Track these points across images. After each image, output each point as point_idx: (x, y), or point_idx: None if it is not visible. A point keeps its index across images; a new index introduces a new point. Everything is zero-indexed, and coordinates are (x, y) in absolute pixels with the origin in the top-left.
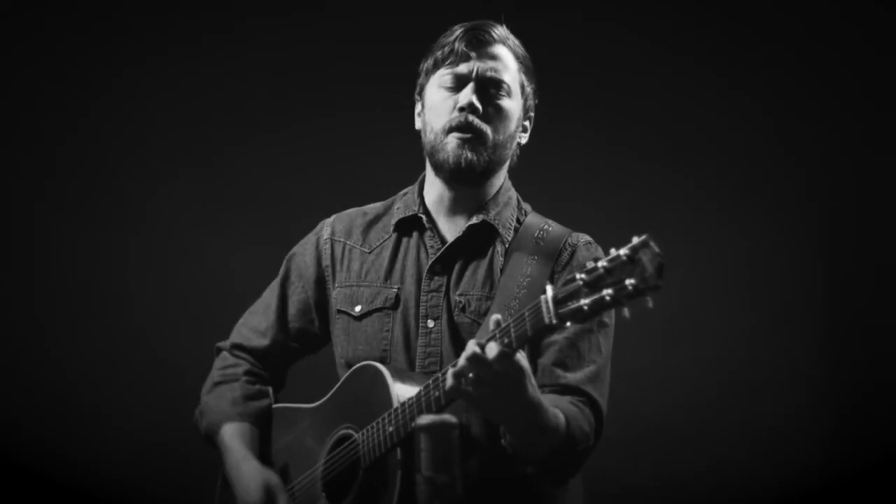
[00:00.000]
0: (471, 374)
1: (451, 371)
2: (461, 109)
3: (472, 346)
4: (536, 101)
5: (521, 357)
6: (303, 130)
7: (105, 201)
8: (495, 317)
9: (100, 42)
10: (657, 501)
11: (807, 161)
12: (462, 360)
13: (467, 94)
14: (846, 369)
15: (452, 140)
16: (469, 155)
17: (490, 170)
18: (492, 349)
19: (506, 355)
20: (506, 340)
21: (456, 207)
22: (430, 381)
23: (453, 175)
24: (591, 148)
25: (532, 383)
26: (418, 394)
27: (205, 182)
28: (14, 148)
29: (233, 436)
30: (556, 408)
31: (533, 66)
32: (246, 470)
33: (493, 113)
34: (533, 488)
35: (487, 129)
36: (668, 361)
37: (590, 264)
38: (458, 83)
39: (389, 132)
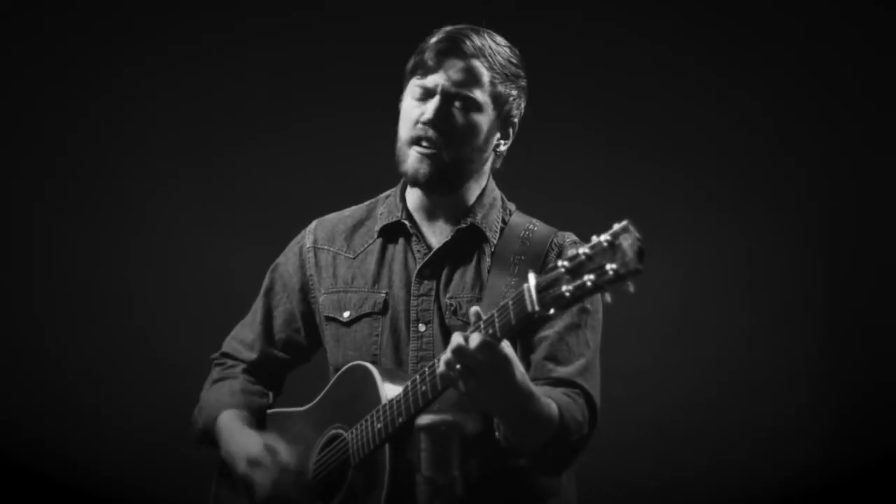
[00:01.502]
0: (458, 366)
1: (442, 359)
2: (423, 123)
3: (456, 338)
4: (524, 102)
5: (506, 346)
6: (303, 130)
7: (105, 201)
8: (474, 309)
9: (100, 42)
10: (657, 502)
11: (807, 161)
12: (448, 352)
13: (429, 109)
14: (846, 369)
15: (412, 153)
16: (425, 169)
17: (454, 182)
18: (474, 339)
19: (488, 344)
20: (490, 331)
21: (438, 212)
22: (417, 376)
23: (414, 186)
24: (591, 148)
25: (520, 371)
26: (405, 388)
27: (205, 182)
28: (14, 148)
29: (230, 417)
30: (549, 398)
31: (518, 68)
32: (244, 434)
33: (455, 128)
34: (528, 483)
35: (446, 145)
36: (668, 361)
37: (571, 251)
38: (425, 95)
39: (390, 132)
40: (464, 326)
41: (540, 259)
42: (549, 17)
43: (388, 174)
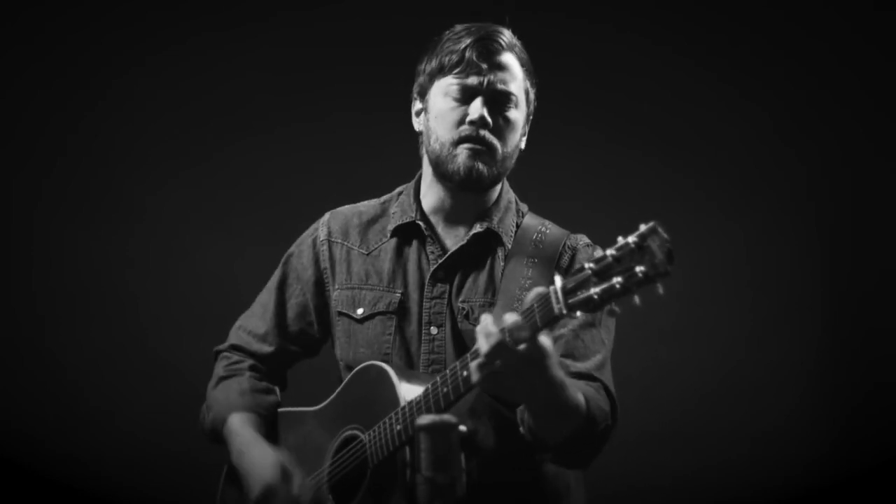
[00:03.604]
0: (497, 362)
1: (475, 363)
2: (472, 123)
3: (495, 335)
4: (535, 103)
5: (544, 338)
6: (303, 130)
7: (105, 201)
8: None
9: (100, 42)
10: (657, 501)
11: (807, 161)
12: (486, 348)
13: (478, 108)
14: (846, 369)
15: (463, 151)
16: (480, 167)
17: (497, 181)
18: (517, 325)
19: (529, 335)
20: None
21: (457, 214)
22: (438, 378)
23: (462, 186)
24: (591, 148)
25: (555, 361)
26: (426, 391)
27: (205, 182)
28: (14, 148)
29: (241, 423)
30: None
31: (533, 68)
32: (259, 451)
33: (503, 125)
34: (537, 487)
35: (497, 142)
36: (669, 361)
37: (598, 253)
38: (467, 94)
39: (390, 133)
40: (475, 330)
41: (553, 262)
42: (550, 19)
43: (389, 175)
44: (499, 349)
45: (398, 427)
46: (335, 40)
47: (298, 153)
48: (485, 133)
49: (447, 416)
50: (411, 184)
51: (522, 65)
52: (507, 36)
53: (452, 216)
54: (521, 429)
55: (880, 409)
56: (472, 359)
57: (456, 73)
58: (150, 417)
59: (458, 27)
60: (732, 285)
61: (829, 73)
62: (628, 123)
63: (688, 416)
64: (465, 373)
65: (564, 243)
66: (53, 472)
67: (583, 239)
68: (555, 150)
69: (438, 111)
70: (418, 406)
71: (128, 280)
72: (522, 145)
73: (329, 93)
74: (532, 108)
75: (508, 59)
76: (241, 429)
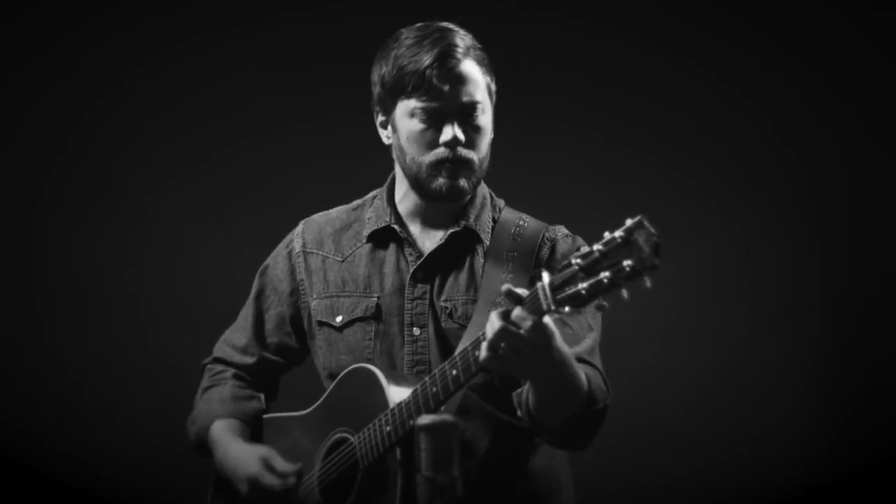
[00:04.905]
0: (502, 344)
1: (484, 344)
2: (447, 145)
3: (497, 321)
4: (496, 86)
5: (549, 321)
6: (303, 130)
7: (105, 201)
8: (506, 287)
9: (99, 42)
10: (657, 501)
11: (807, 161)
12: (490, 335)
13: (450, 131)
14: (846, 369)
15: (443, 172)
16: (461, 183)
17: (478, 186)
18: (522, 318)
19: (536, 324)
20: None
21: (433, 217)
22: (427, 379)
23: (445, 201)
24: (591, 148)
25: (559, 338)
26: (414, 392)
27: (205, 182)
28: (14, 148)
29: (223, 429)
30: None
31: (485, 53)
32: (239, 450)
33: (474, 135)
34: (527, 484)
35: (474, 154)
36: (668, 361)
37: (584, 249)
38: (434, 117)
39: None
40: (459, 329)
41: (532, 254)
42: (548, 18)
43: (389, 174)
44: (503, 332)
45: (388, 428)
46: (335, 40)
47: (298, 153)
48: (461, 152)
49: (447, 416)
50: (384, 188)
51: (480, 63)
52: (461, 42)
53: (429, 219)
54: (518, 412)
55: (880, 409)
56: (462, 356)
57: (419, 97)
58: (150, 417)
59: (409, 38)
60: (732, 285)
61: (829, 73)
62: (628, 123)
63: (688, 416)
64: (454, 372)
65: (543, 235)
66: (53, 472)
67: (561, 230)
68: (555, 150)
69: (409, 133)
70: (408, 407)
71: (128, 280)
72: (492, 135)
73: (329, 93)
74: (494, 97)
75: (468, 67)
76: (222, 434)
